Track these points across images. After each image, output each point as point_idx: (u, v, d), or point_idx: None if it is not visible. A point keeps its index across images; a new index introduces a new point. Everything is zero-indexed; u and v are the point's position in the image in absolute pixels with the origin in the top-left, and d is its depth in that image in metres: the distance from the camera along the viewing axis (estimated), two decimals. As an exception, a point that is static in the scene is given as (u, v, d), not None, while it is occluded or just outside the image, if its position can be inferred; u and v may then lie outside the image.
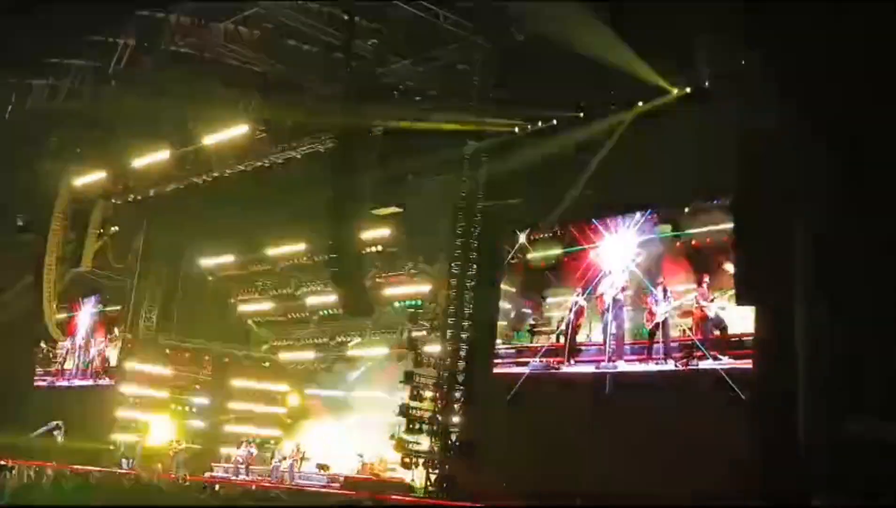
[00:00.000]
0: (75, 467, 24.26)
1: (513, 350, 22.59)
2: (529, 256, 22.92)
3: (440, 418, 23.20)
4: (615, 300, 20.46)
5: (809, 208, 16.41)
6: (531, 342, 22.23)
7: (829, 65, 15.92)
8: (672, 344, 19.09)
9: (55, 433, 31.36)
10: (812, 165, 16.28)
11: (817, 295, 15.92)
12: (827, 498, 14.58)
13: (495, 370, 22.70)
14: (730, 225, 17.95)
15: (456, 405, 23.20)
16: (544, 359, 21.61)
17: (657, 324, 19.45)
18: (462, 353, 23.27)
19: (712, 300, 18.51)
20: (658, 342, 19.34)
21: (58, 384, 35.27)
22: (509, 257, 23.21)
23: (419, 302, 28.04)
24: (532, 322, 22.42)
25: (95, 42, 24.09)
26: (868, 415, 14.79)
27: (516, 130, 22.69)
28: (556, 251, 22.30)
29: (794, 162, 16.45)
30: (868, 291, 15.32)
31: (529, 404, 21.06)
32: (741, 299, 17.19)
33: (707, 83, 18.87)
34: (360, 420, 30.22)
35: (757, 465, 16.22)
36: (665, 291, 19.48)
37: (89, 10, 21.55)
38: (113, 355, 33.00)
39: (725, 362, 17.92)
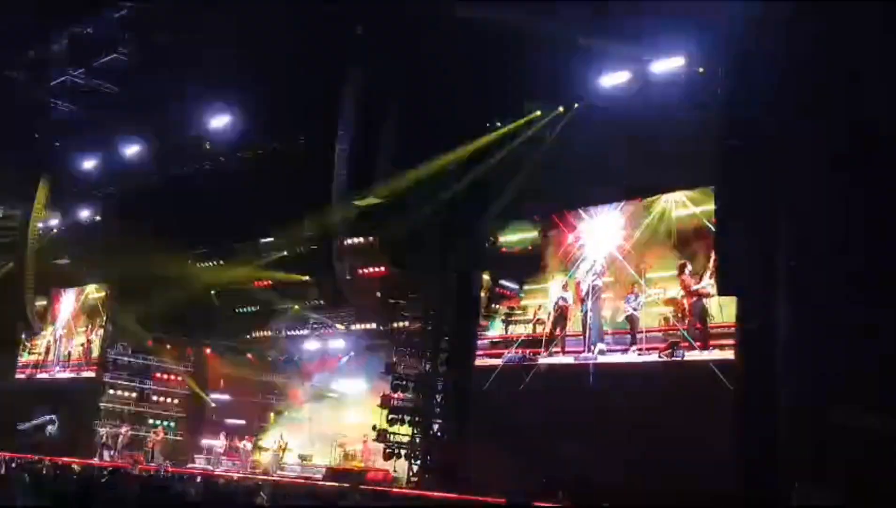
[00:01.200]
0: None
1: (486, 341, 22.30)
2: (504, 240, 22.74)
3: (422, 409, 23.21)
4: (594, 287, 20.30)
5: (791, 199, 16.52)
6: (506, 332, 21.96)
7: (815, 61, 16.00)
8: (656, 334, 18.96)
9: (48, 427, 31.20)
10: (796, 159, 16.39)
11: (799, 286, 16.01)
12: (807, 488, 14.71)
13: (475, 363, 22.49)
14: (710, 207, 17.94)
15: (437, 396, 23.21)
16: (521, 350, 21.33)
17: (630, 317, 19.40)
18: (443, 345, 23.26)
19: (695, 287, 18.44)
20: (640, 332, 19.22)
21: (38, 376, 34.96)
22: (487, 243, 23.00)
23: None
24: (507, 311, 22.16)
25: (75, 35, 23.82)
26: (850, 405, 14.90)
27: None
28: (533, 235, 22.11)
29: (778, 155, 16.55)
30: (849, 282, 15.42)
31: (506, 395, 20.89)
32: (723, 290, 17.24)
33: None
34: (343, 410, 30.18)
35: (740, 455, 16.33)
36: (636, 295, 19.37)
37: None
38: (95, 345, 32.77)
39: (708, 353, 17.83)
